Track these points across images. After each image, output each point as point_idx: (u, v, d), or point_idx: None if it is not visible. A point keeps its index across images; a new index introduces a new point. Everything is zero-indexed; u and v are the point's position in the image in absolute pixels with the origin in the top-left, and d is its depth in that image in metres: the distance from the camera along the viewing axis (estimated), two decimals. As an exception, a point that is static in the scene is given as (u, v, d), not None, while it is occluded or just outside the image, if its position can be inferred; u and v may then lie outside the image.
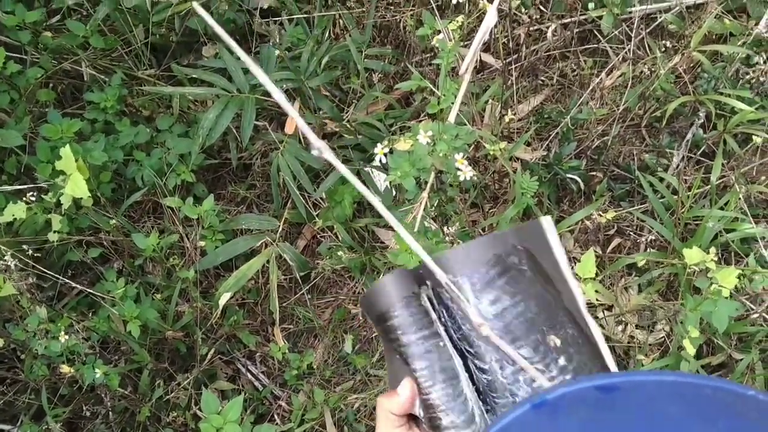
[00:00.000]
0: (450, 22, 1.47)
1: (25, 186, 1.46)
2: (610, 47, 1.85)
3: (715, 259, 1.01)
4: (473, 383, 0.58)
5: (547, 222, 0.61)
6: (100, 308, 1.61)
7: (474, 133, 1.30)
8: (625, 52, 1.76)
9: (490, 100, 1.87)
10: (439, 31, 1.63)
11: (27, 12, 1.94)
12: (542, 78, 1.96)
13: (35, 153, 1.64)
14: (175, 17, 2.04)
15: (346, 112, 1.98)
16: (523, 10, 1.91)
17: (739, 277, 1.20)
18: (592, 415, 0.38)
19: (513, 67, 1.93)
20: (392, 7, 2.13)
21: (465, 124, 1.51)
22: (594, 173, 1.75)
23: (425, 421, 0.57)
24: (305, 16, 1.95)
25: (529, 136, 1.87)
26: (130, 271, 1.74)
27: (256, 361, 1.84)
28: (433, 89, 1.56)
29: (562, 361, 0.56)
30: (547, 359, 0.56)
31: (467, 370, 0.58)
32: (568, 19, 1.92)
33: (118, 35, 2.07)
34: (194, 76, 1.85)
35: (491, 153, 1.42)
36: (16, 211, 1.19)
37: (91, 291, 1.51)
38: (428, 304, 0.59)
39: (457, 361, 0.58)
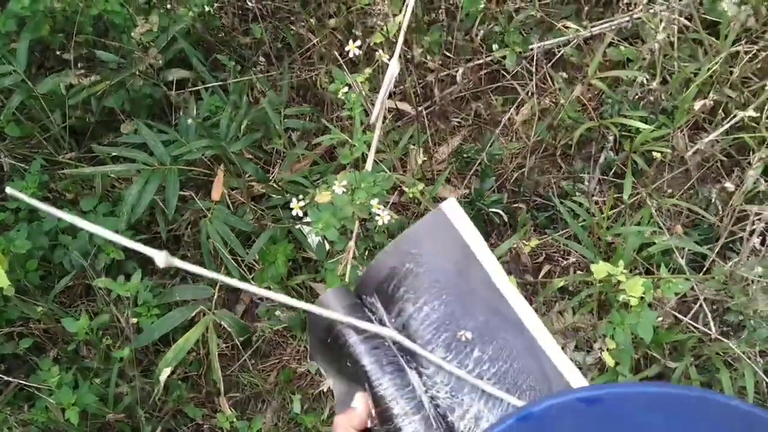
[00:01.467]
0: (358, 76, 1.52)
1: None
2: (517, 83, 1.94)
3: (625, 271, 1.06)
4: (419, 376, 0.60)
5: (449, 206, 0.61)
6: (38, 399, 1.57)
7: (391, 178, 1.33)
8: (531, 87, 1.84)
9: (411, 146, 1.93)
10: (350, 85, 1.68)
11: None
12: (457, 120, 2.02)
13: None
14: (91, 98, 2.05)
15: (272, 173, 2.00)
16: (427, 57, 1.98)
17: (660, 288, 1.25)
18: (577, 427, 0.39)
19: (427, 112, 2.00)
20: (306, 66, 2.19)
21: (385, 172, 1.55)
22: (517, 205, 1.81)
23: (377, 416, 0.58)
24: (221, 83, 1.98)
25: (449, 173, 1.92)
26: (65, 357, 1.70)
27: (205, 434, 1.80)
28: (350, 141, 1.61)
29: (476, 352, 0.58)
30: (461, 355, 0.58)
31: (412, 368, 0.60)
32: (475, 62, 2.00)
33: (34, 122, 2.06)
34: (115, 153, 1.85)
35: (412, 195, 1.46)
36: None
37: (25, 383, 1.47)
38: (369, 313, 0.62)
39: (402, 358, 0.60)
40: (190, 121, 1.80)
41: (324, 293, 0.62)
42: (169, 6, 2.18)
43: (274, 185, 1.93)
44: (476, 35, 2.01)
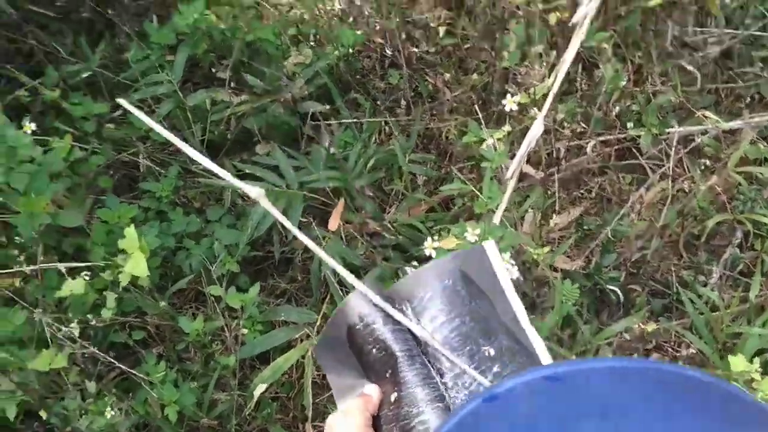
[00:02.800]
0: (496, 132, 1.55)
1: (80, 264, 1.51)
2: (649, 165, 1.92)
3: (760, 370, 1.02)
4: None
5: (489, 245, 0.67)
6: (139, 390, 1.63)
7: (519, 236, 1.34)
8: (664, 170, 1.82)
9: (530, 209, 1.93)
10: (483, 140, 1.71)
11: (93, 104, 2.08)
12: (581, 191, 2.01)
13: (89, 237, 1.71)
14: (231, 117, 2.16)
15: (388, 212, 2.04)
16: (565, 124, 1.99)
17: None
18: (544, 405, 0.39)
19: (553, 178, 2.00)
20: (436, 117, 2.24)
21: (511, 229, 1.55)
22: (633, 286, 1.77)
23: (395, 402, 0.60)
24: (354, 121, 2.05)
25: (569, 246, 1.91)
26: (170, 356, 1.76)
27: (284, 456, 1.82)
28: (476, 192, 1.63)
29: (496, 368, 0.61)
30: (482, 367, 0.61)
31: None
32: (608, 137, 2.00)
33: (177, 131, 2.20)
34: (248, 170, 1.94)
35: (533, 258, 1.46)
36: (75, 286, 1.24)
37: (134, 372, 1.53)
38: (398, 314, 0.64)
39: (427, 359, 0.63)
40: (323, 151, 1.86)
41: (349, 296, 0.66)
42: (313, 43, 2.30)
43: (389, 225, 1.97)
44: (612, 110, 2.01)
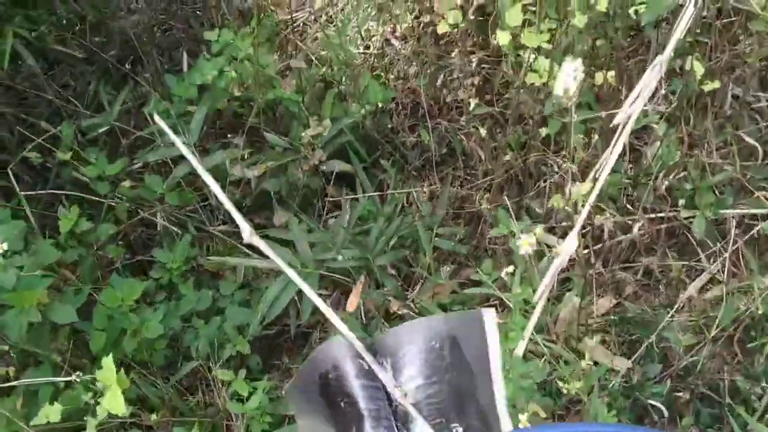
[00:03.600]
0: (526, 226, 1.38)
1: (62, 379, 1.41)
2: (702, 252, 1.72)
3: None
4: None
5: (488, 315, 0.63)
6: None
7: (545, 369, 1.18)
8: (721, 260, 1.62)
9: (568, 292, 1.76)
10: (513, 233, 1.55)
11: (108, 165, 1.98)
12: (623, 273, 1.83)
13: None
14: (251, 178, 2.05)
15: (411, 291, 1.90)
16: (609, 200, 1.81)
17: None
18: None
19: (585, 252, 1.82)
20: (469, 178, 2.08)
21: (535, 359, 1.39)
22: (679, 393, 1.59)
23: None
24: (378, 194, 1.90)
25: (604, 333, 1.74)
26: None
27: None
28: (502, 298, 1.47)
29: None
30: None
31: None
32: (657, 214, 1.81)
33: (195, 188, 2.09)
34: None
35: (565, 389, 1.29)
36: (51, 413, 1.14)
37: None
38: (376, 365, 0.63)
39: (395, 424, 0.62)
40: (342, 230, 1.73)
41: (327, 341, 0.65)
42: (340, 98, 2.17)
43: (412, 305, 1.83)
44: (662, 184, 1.82)
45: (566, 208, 1.33)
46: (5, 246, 1.23)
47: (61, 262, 1.73)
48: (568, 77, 0.90)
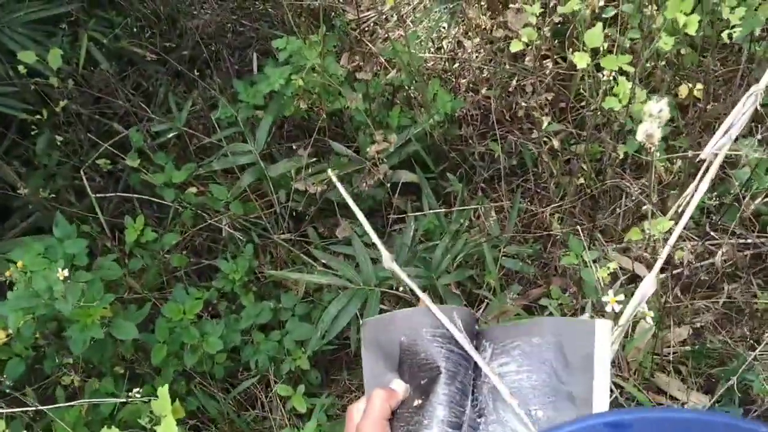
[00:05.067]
0: (599, 263, 1.30)
1: (117, 400, 1.42)
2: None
3: None
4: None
5: (602, 326, 0.63)
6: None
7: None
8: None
9: (641, 321, 1.67)
10: (585, 262, 1.47)
11: (175, 171, 1.99)
12: (704, 301, 1.72)
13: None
14: (317, 186, 2.02)
15: (476, 310, 1.84)
16: (691, 223, 1.71)
17: None
18: None
19: (670, 284, 1.72)
20: (540, 194, 2.00)
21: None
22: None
23: (414, 410, 0.61)
24: (444, 210, 1.84)
25: (681, 365, 1.65)
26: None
27: None
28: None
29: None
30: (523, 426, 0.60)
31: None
32: (742, 240, 1.69)
33: (261, 198, 2.08)
34: (324, 262, 1.79)
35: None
36: (111, 438, 1.14)
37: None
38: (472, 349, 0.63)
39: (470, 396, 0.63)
40: (406, 247, 1.69)
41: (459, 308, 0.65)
42: (408, 105, 2.12)
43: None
44: (748, 207, 1.69)
45: (644, 241, 1.24)
46: (66, 273, 1.24)
47: (126, 271, 1.75)
48: (652, 123, 0.82)
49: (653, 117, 0.85)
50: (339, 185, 0.68)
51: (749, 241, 1.68)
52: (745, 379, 1.43)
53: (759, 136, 1.47)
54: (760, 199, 1.66)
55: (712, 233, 1.64)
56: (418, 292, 0.65)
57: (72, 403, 1.29)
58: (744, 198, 1.70)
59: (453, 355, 0.63)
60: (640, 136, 0.82)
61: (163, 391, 1.11)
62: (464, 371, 0.63)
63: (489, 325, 0.71)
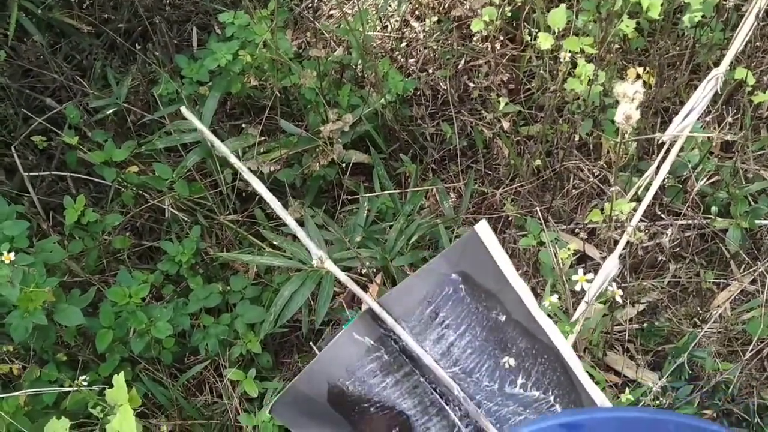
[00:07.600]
0: (560, 249, 1.31)
1: (67, 389, 1.36)
2: (734, 261, 1.66)
3: None
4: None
5: (482, 228, 0.61)
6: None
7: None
8: (756, 276, 1.56)
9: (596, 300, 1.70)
10: (543, 243, 1.48)
11: (115, 150, 1.90)
12: (652, 282, 1.76)
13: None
14: (269, 165, 1.96)
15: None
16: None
17: None
18: None
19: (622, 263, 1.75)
20: (491, 175, 2.00)
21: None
22: (706, 411, 1.53)
23: None
24: (398, 191, 1.82)
25: (629, 342, 1.69)
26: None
27: None
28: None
29: (521, 379, 0.59)
30: (506, 382, 0.59)
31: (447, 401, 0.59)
32: (688, 221, 1.74)
33: (205, 177, 2.01)
34: (276, 243, 1.74)
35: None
36: (57, 429, 1.08)
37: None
38: (394, 344, 0.59)
39: (437, 395, 0.59)
40: (359, 227, 1.66)
41: (350, 325, 0.61)
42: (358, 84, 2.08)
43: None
44: (691, 188, 1.74)
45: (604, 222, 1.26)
46: (12, 257, 1.16)
47: (66, 254, 1.66)
48: (631, 104, 0.82)
49: (628, 98, 0.85)
50: (246, 173, 0.65)
51: (695, 221, 1.73)
52: (694, 356, 1.48)
53: (708, 118, 1.51)
54: (704, 180, 1.71)
55: (660, 214, 1.68)
56: (354, 288, 0.63)
57: (12, 394, 1.22)
58: (688, 179, 1.75)
59: (401, 384, 0.59)
60: (618, 117, 0.82)
61: (120, 379, 1.06)
62: (419, 383, 0.59)
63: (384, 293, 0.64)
